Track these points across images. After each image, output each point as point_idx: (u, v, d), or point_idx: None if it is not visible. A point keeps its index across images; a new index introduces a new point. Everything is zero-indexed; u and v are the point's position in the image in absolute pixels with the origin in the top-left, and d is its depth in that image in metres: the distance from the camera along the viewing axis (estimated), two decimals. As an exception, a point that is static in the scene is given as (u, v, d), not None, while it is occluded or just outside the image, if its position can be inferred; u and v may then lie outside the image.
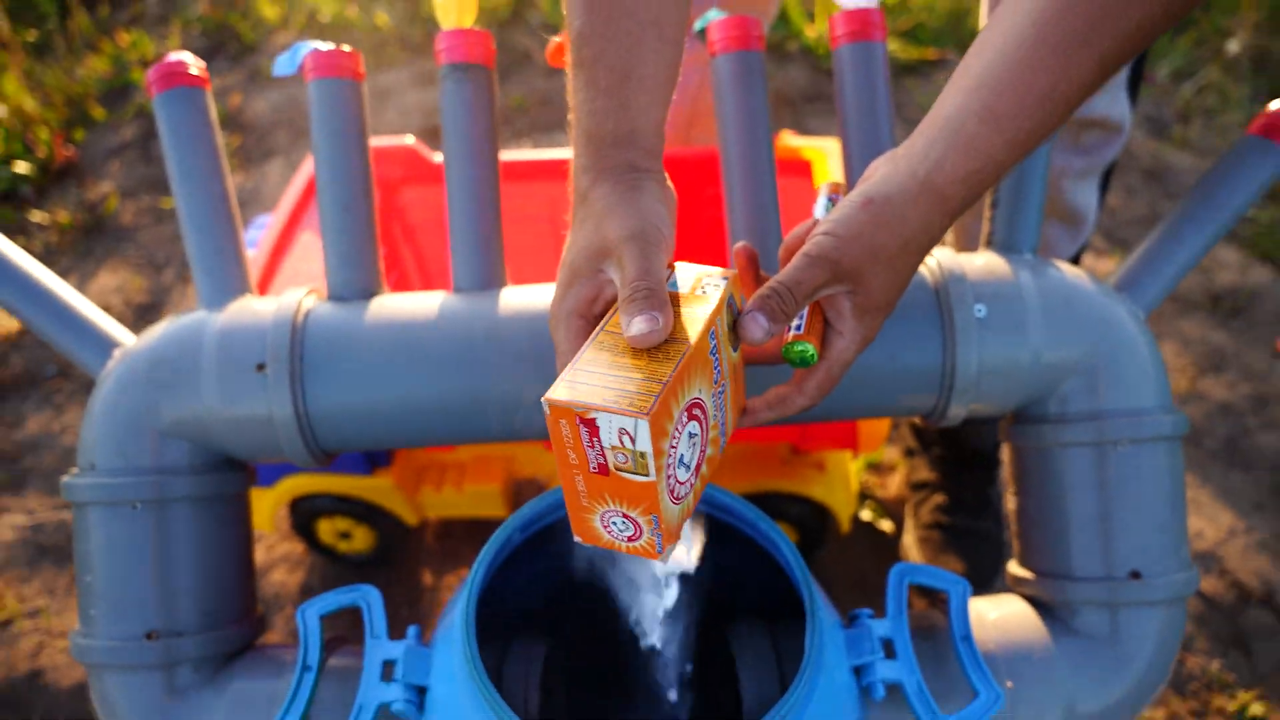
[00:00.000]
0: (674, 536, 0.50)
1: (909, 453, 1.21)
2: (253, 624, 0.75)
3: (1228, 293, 1.51)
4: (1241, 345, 1.42)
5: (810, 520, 1.03)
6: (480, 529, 1.14)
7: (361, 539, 1.10)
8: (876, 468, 1.25)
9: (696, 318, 0.51)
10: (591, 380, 0.46)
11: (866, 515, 1.19)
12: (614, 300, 0.54)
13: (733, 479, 0.98)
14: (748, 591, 0.81)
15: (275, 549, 1.18)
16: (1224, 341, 1.43)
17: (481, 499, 1.03)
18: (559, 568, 0.84)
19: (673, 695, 0.84)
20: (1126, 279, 0.75)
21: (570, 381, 0.46)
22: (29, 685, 1.07)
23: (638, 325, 0.49)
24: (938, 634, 0.70)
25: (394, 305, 0.73)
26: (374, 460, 1.01)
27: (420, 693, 0.65)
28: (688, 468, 0.50)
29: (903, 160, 0.56)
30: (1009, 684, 0.68)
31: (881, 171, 0.57)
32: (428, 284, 1.14)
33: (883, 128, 0.74)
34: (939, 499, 1.11)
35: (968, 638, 0.67)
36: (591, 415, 0.44)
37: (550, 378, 0.68)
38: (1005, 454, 1.12)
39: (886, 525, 1.19)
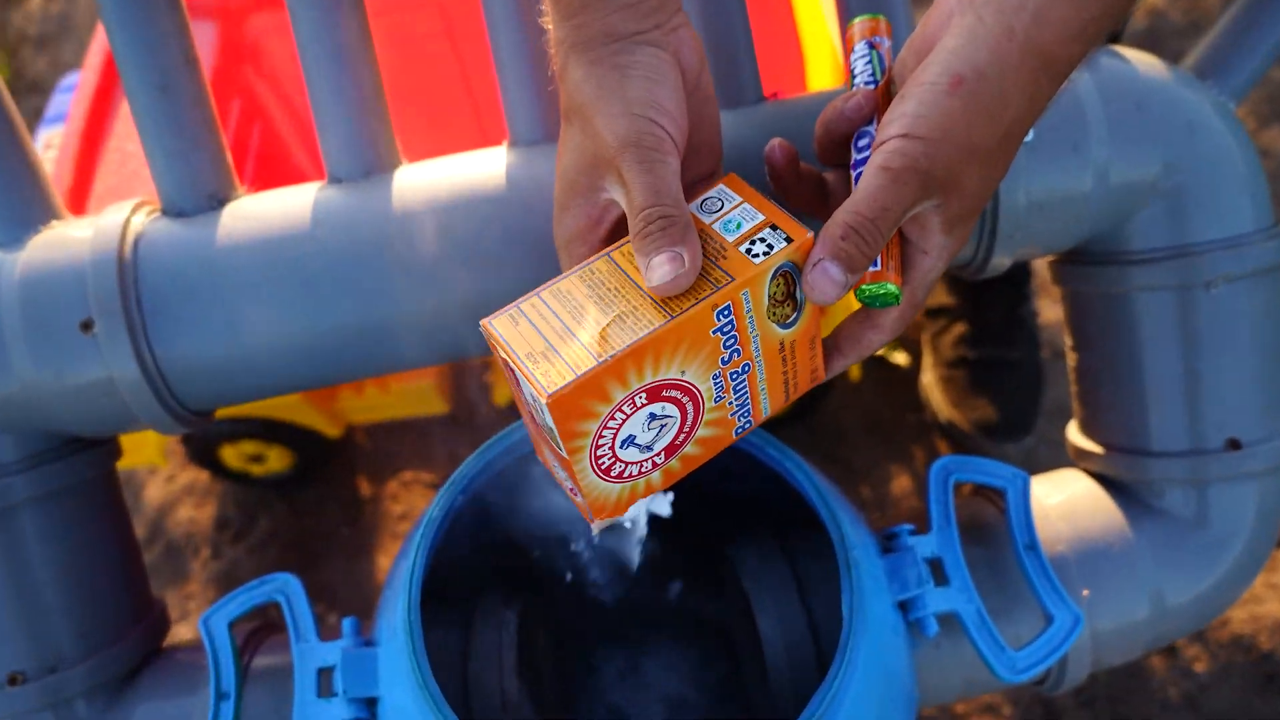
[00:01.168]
0: (607, 512, 0.43)
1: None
2: (150, 627, 0.62)
3: None
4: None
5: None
6: (421, 419, 1.01)
7: (277, 458, 0.95)
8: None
9: (706, 282, 0.39)
10: (539, 320, 0.40)
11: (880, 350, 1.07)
12: (623, 221, 0.44)
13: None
14: (747, 484, 0.69)
15: (176, 480, 1.03)
16: None
17: (413, 398, 0.88)
18: (519, 519, 0.72)
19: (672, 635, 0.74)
20: (1208, 61, 0.60)
21: (514, 314, 0.40)
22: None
23: (659, 270, 0.38)
24: (991, 537, 0.59)
25: (254, 212, 0.56)
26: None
27: (370, 705, 0.53)
28: (643, 449, 0.41)
29: (989, 7, 0.40)
30: (1085, 593, 0.58)
31: (962, 25, 0.40)
32: (314, 154, 0.94)
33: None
34: (960, 329, 0.99)
35: (1033, 546, 0.56)
36: (512, 366, 0.39)
37: (479, 276, 0.53)
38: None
39: (900, 358, 1.07)
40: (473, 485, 0.54)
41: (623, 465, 0.41)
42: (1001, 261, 0.57)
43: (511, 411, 0.98)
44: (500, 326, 0.40)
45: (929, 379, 1.01)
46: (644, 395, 0.39)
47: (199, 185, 0.57)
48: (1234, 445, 0.58)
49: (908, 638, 0.55)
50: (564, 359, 0.38)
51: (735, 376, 0.42)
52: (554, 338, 0.39)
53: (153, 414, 0.56)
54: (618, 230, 0.44)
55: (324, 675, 0.54)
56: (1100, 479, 0.63)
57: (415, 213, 0.54)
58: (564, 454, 0.40)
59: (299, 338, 0.55)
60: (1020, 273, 0.99)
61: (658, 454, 0.42)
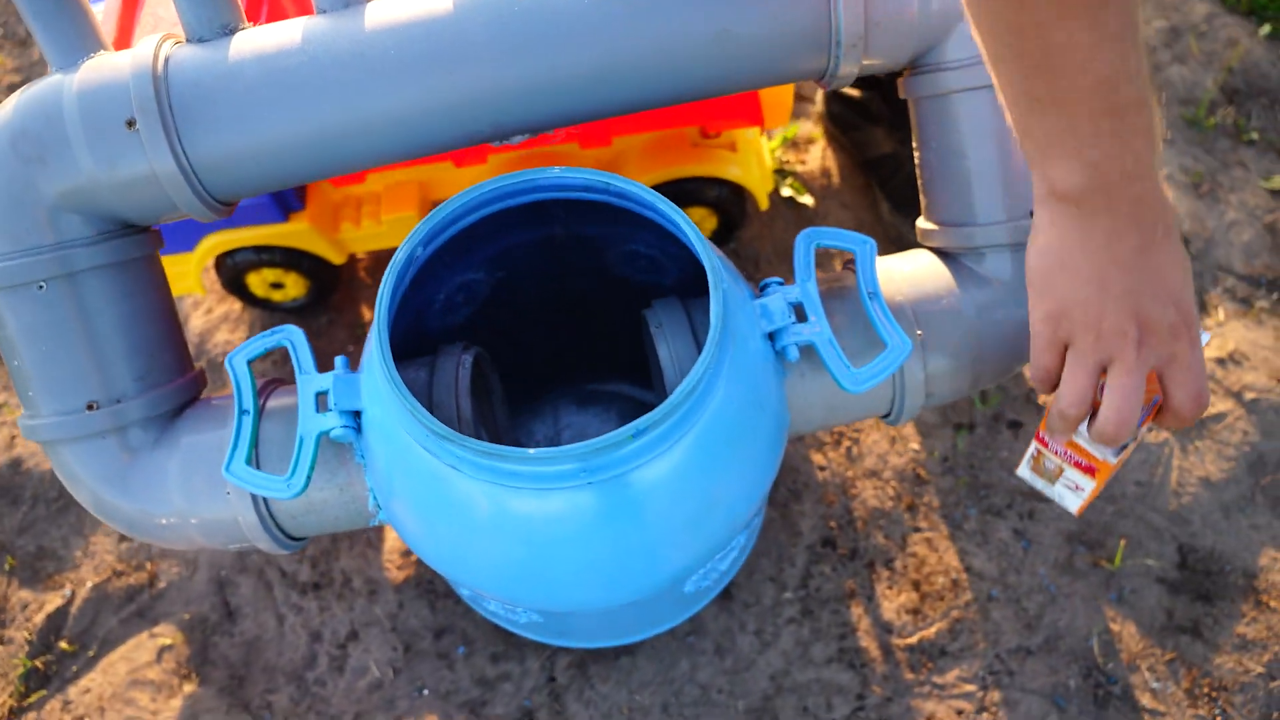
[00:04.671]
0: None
1: (833, 118, 1.18)
2: (192, 380, 0.75)
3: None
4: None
5: (729, 201, 1.02)
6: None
7: (294, 286, 1.08)
8: (794, 145, 1.24)
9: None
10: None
11: (787, 191, 1.19)
12: None
13: (648, 168, 0.97)
14: (667, 276, 0.82)
15: (214, 312, 1.17)
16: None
17: (402, 226, 1.01)
18: (478, 279, 0.85)
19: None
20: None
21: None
22: (12, 473, 1.09)
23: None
24: (849, 295, 0.72)
25: (257, 36, 0.67)
26: (287, 205, 0.98)
27: (356, 416, 0.66)
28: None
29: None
30: (919, 334, 0.71)
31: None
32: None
33: None
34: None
35: (875, 293, 0.68)
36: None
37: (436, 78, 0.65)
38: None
39: (808, 199, 1.18)
40: (436, 239, 0.67)
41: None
42: (849, 70, 0.69)
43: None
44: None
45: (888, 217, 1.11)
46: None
47: (214, 18, 0.69)
48: (1030, 215, 0.69)
49: (775, 364, 0.68)
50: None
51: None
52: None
53: (187, 201, 0.68)
54: None
55: (321, 398, 0.67)
56: (939, 253, 0.75)
57: (380, 28, 0.66)
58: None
59: (297, 133, 0.67)
60: None
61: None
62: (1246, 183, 1.18)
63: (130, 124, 0.65)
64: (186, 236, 0.98)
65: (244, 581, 1.00)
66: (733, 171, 0.98)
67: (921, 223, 0.77)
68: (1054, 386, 0.60)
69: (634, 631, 0.90)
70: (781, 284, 0.68)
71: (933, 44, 0.69)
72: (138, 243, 0.71)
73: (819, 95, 1.23)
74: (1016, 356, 0.74)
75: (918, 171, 0.76)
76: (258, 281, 1.07)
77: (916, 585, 0.97)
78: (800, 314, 0.67)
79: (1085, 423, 0.61)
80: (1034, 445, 0.69)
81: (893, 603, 0.96)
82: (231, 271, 1.04)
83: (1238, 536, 0.98)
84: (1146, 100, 0.49)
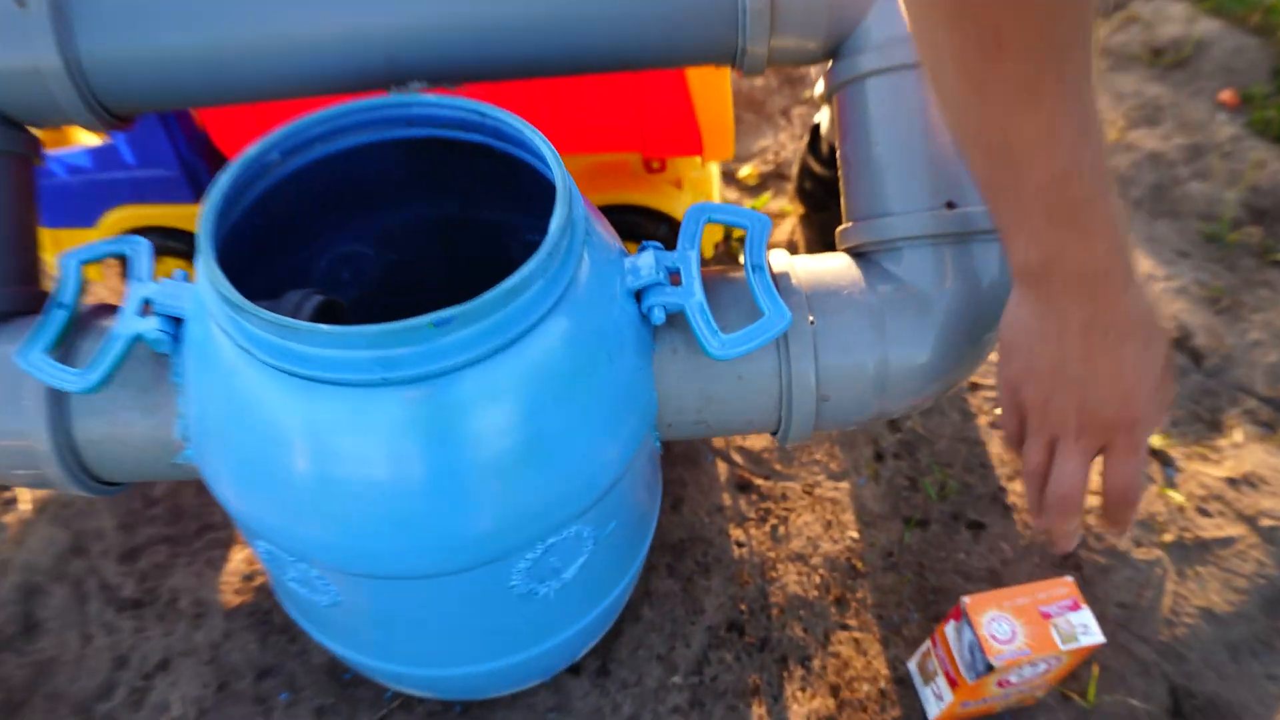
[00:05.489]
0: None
1: (805, 195, 1.21)
2: (28, 295, 0.77)
3: (1171, 45, 1.51)
4: (1181, 97, 1.43)
5: (670, 241, 1.05)
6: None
7: (200, 284, 1.12)
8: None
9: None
10: None
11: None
12: None
13: (587, 190, 1.00)
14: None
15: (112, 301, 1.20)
16: (1161, 94, 1.44)
17: (323, 233, 1.04)
18: (365, 254, 0.87)
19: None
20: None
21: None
22: None
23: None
24: (740, 280, 0.72)
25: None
26: (199, 185, 1.02)
27: (178, 325, 0.67)
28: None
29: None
30: (811, 319, 0.70)
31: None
32: None
33: None
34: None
35: (760, 267, 0.69)
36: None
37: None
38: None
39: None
40: (303, 149, 0.69)
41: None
42: (759, 50, 0.72)
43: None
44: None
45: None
46: None
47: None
48: (950, 206, 0.70)
49: (639, 327, 0.68)
50: None
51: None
52: None
53: (74, 106, 0.72)
54: None
55: (147, 306, 0.68)
56: (855, 255, 0.76)
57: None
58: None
59: (191, 43, 0.71)
60: None
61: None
62: (1273, 303, 1.19)
63: (20, 2, 0.70)
64: (88, 209, 1.02)
65: (57, 591, 0.98)
66: (676, 208, 1.01)
67: (839, 229, 0.78)
68: (1019, 446, 0.68)
69: (485, 685, 0.85)
70: (661, 247, 0.69)
71: (850, 26, 0.72)
72: (13, 138, 0.75)
73: (794, 170, 1.27)
74: (933, 377, 0.73)
75: (839, 174, 0.78)
76: (162, 274, 1.09)
77: (835, 690, 0.92)
78: (676, 281, 0.68)
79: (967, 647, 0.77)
80: (928, 641, 0.76)
81: (803, 706, 0.91)
82: (134, 257, 1.07)
83: (1248, 686, 0.91)
84: (1103, 196, 0.54)
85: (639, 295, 0.68)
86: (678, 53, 0.75)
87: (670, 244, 1.05)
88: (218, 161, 1.03)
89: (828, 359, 0.71)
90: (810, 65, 0.78)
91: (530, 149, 0.68)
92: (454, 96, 0.69)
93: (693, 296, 0.67)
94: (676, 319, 0.69)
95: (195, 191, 1.02)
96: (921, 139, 0.71)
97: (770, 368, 0.70)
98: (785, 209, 1.28)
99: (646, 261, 0.67)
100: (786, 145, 1.40)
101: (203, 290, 0.63)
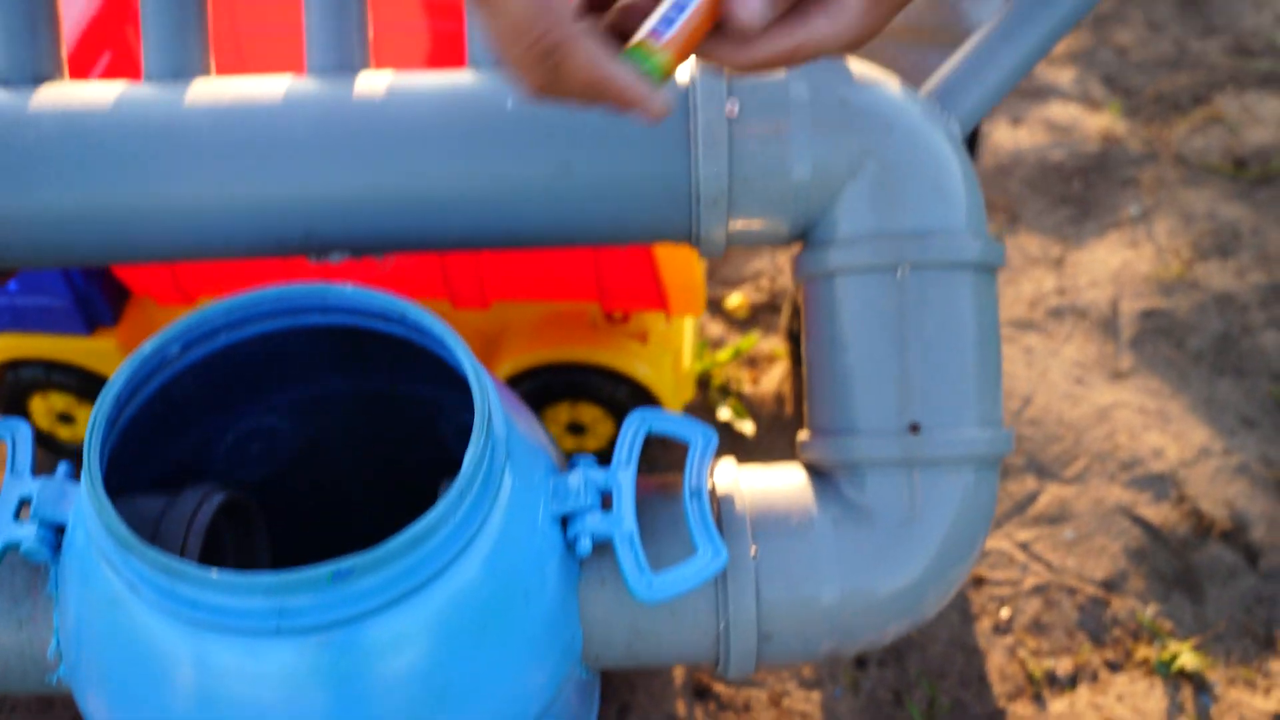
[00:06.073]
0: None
1: (795, 340, 1.35)
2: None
3: (1258, 154, 1.64)
4: (1265, 221, 1.56)
5: (631, 405, 1.18)
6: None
7: (86, 424, 1.25)
8: (752, 361, 1.40)
9: None
10: None
11: (725, 413, 1.34)
12: None
13: (532, 344, 1.13)
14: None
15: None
16: (1241, 216, 1.57)
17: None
18: (280, 428, 1.00)
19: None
20: (941, 85, 0.89)
21: None
22: None
23: None
24: (677, 494, 0.85)
25: (67, 93, 0.87)
26: (93, 317, 1.16)
27: (58, 533, 0.80)
28: None
29: None
30: (753, 549, 0.83)
31: None
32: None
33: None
34: None
35: (699, 493, 0.81)
36: None
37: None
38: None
39: (748, 426, 1.34)
40: (205, 340, 0.83)
41: None
42: (717, 233, 0.85)
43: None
44: None
45: None
46: None
47: (28, 64, 0.89)
48: (913, 429, 0.83)
49: (564, 556, 0.80)
50: None
51: None
52: None
53: None
54: None
55: (25, 506, 0.80)
56: (813, 470, 0.88)
57: (200, 105, 0.85)
58: None
59: (86, 202, 0.85)
60: None
61: None
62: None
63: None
64: (-37, 337, 1.16)
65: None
66: (638, 368, 1.14)
67: (800, 434, 0.91)
68: None
69: None
70: (594, 463, 0.82)
71: (819, 213, 0.85)
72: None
73: (785, 308, 1.41)
74: (892, 615, 0.85)
75: (803, 372, 0.91)
76: (43, 409, 1.24)
77: None
78: (607, 504, 0.81)
79: None
80: None
81: None
82: (13, 389, 1.21)
83: None
84: None
85: (564, 520, 0.80)
86: (624, 233, 0.88)
87: (630, 405, 1.19)
88: (115, 290, 1.17)
89: (771, 594, 0.83)
90: (779, 245, 0.91)
91: (452, 360, 0.81)
92: (372, 291, 0.82)
93: (622, 525, 0.79)
94: (605, 546, 0.81)
95: (88, 322, 1.15)
96: (892, 351, 0.84)
97: (706, 604, 0.83)
98: (776, 351, 1.41)
99: (575, 483, 0.80)
100: (785, 269, 1.54)
101: (85, 510, 0.76)
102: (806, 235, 0.88)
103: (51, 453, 1.31)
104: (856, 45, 0.63)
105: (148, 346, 0.80)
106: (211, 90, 0.87)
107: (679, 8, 0.57)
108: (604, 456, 1.26)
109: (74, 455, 1.30)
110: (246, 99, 0.86)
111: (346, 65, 0.88)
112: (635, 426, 0.83)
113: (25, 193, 0.85)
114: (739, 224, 0.86)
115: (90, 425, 0.75)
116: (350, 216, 0.86)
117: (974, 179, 0.85)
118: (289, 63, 0.94)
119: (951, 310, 0.84)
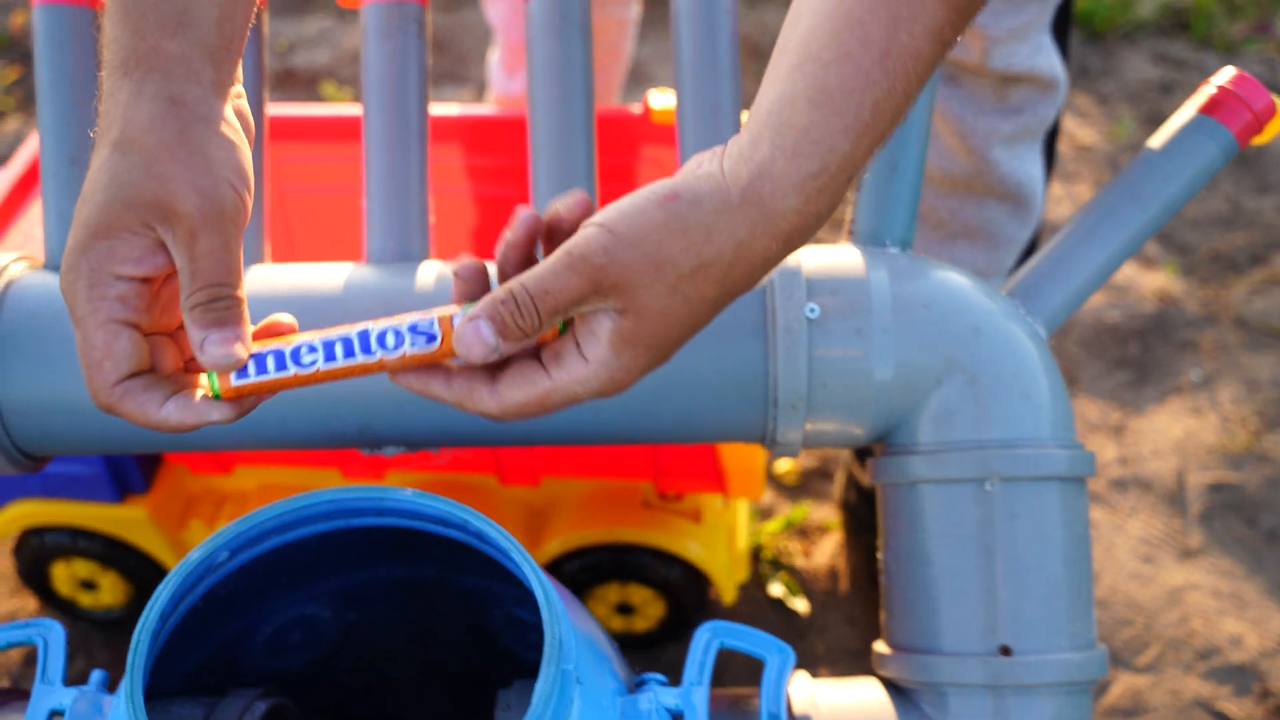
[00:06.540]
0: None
1: (850, 511, 1.31)
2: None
3: (1328, 317, 1.62)
4: (1335, 390, 1.53)
5: (683, 586, 1.13)
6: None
7: (110, 590, 1.21)
8: (803, 532, 1.36)
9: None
10: None
11: (777, 589, 1.30)
12: (166, 272, 0.63)
13: (582, 523, 1.09)
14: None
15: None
16: (1311, 384, 1.54)
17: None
18: (322, 616, 0.96)
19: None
20: (1022, 286, 0.86)
21: None
22: None
23: (215, 350, 0.61)
24: (750, 713, 0.81)
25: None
26: (125, 484, 1.12)
27: (93, 749, 0.76)
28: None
29: (728, 159, 0.61)
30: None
31: (700, 160, 0.62)
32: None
33: (723, 85, 0.86)
34: None
35: (777, 717, 0.77)
36: None
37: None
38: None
39: (801, 604, 1.29)
40: (255, 544, 0.79)
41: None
42: (793, 435, 0.82)
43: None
44: None
45: None
46: None
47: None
48: (1005, 651, 0.79)
49: (632, 784, 0.76)
50: None
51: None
52: None
53: None
54: (165, 276, 0.64)
55: (55, 717, 0.77)
56: (891, 686, 0.84)
57: (257, 298, 0.82)
58: None
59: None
60: None
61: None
62: None
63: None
64: (-13, 501, 1.13)
65: None
66: (691, 549, 1.10)
67: (878, 645, 0.86)
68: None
69: None
70: (664, 683, 0.78)
71: (900, 418, 0.82)
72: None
73: (838, 476, 1.37)
74: None
75: (880, 580, 0.87)
76: (65, 575, 1.19)
77: None
78: (680, 726, 0.76)
79: None
80: None
81: None
82: (35, 555, 1.17)
83: None
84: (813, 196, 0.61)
85: (633, 748, 0.76)
86: (696, 433, 0.84)
87: (679, 590, 1.14)
88: (148, 458, 1.13)
89: (853, 828, 0.79)
90: (857, 448, 0.88)
91: (518, 573, 0.77)
92: (429, 498, 0.79)
93: (695, 757, 0.75)
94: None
95: (119, 490, 1.12)
96: (979, 567, 0.80)
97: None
98: (828, 522, 1.37)
99: (645, 707, 0.76)
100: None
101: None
102: (886, 438, 0.84)
103: (69, 616, 1.26)
104: (614, 390, 0.64)
105: (195, 554, 0.76)
106: (268, 277, 0.84)
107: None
108: (653, 639, 1.23)
109: (94, 623, 1.26)
110: (305, 287, 0.83)
111: (407, 254, 0.86)
112: (706, 641, 0.79)
113: (72, 382, 0.82)
114: (815, 426, 0.83)
115: (134, 644, 0.71)
116: (407, 414, 0.83)
117: (1060, 384, 0.82)
118: (340, 254, 0.92)
119: (1041, 524, 0.80)
